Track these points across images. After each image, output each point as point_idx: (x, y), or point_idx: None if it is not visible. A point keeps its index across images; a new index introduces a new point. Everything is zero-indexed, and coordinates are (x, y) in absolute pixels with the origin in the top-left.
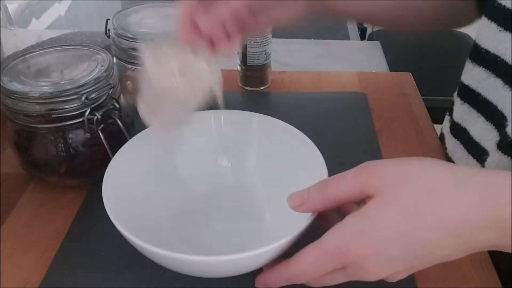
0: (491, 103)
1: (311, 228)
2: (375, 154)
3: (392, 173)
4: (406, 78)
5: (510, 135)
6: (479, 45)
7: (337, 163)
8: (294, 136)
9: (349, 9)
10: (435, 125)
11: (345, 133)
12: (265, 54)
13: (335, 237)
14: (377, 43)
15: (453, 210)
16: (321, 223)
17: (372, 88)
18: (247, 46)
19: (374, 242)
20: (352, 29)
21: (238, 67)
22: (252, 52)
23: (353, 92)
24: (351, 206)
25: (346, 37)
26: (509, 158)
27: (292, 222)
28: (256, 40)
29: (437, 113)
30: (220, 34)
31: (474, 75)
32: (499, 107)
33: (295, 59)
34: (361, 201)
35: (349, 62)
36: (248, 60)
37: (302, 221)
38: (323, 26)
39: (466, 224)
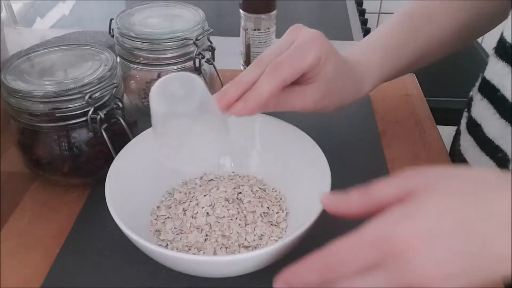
0: (508, 100)
1: (312, 231)
2: (378, 155)
3: (442, 171)
4: (410, 79)
5: None
6: (505, 39)
7: (340, 164)
8: (296, 137)
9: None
10: (438, 127)
11: (348, 134)
12: None
13: (378, 223)
14: None
15: (509, 204)
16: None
17: (375, 89)
18: (251, 46)
19: (425, 230)
20: (356, 29)
21: (242, 67)
22: (256, 53)
23: None
24: None
25: (349, 37)
26: None
27: (294, 223)
28: (260, 40)
29: (441, 114)
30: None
31: (496, 70)
32: None
33: None
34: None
35: None
36: (251, 60)
37: (304, 223)
38: (326, 27)
39: None
